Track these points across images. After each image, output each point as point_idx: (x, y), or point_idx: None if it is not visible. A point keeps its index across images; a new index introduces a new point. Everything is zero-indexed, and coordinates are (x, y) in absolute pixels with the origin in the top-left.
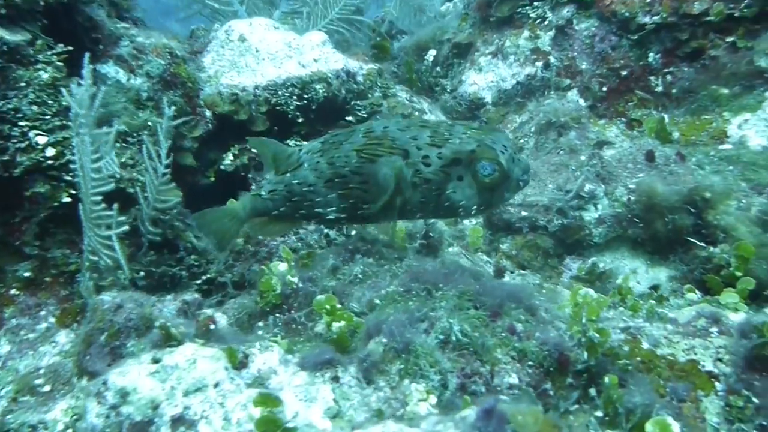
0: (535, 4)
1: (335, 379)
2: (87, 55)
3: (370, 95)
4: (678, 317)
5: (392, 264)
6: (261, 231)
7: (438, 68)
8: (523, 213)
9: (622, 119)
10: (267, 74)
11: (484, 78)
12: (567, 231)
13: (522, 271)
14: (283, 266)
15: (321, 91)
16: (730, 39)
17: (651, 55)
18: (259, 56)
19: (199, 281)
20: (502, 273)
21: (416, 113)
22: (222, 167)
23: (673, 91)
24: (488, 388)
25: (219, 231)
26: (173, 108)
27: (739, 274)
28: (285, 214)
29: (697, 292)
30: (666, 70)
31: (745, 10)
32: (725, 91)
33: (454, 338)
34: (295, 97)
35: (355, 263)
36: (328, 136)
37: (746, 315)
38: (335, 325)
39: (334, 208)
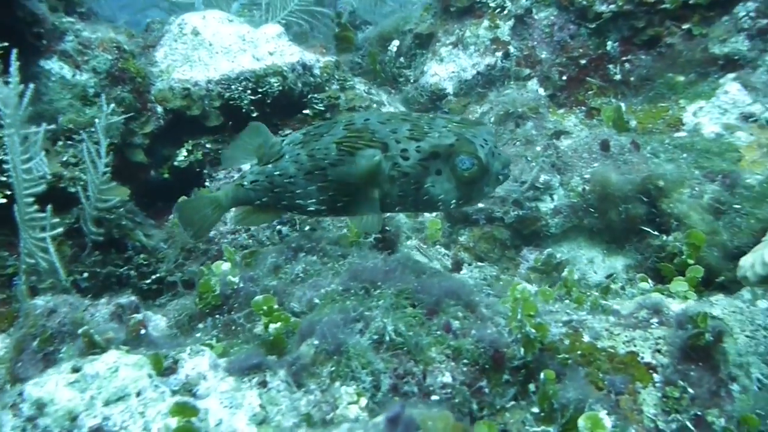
0: None
1: (263, 384)
2: (14, 51)
3: (327, 88)
4: (621, 309)
5: (335, 262)
6: (245, 221)
7: (401, 59)
8: (480, 205)
9: (583, 108)
10: (220, 68)
11: (445, 68)
12: (523, 222)
13: (480, 263)
14: (226, 266)
15: (276, 84)
16: (686, 26)
17: (609, 43)
18: (212, 50)
19: (148, 281)
20: (459, 266)
21: (374, 105)
22: (176, 163)
23: (631, 79)
24: (420, 389)
25: (200, 220)
26: (121, 104)
27: (691, 261)
28: (267, 205)
29: (650, 281)
30: (624, 58)
31: None
32: (681, 78)
33: (387, 338)
34: (249, 91)
35: (298, 261)
36: (310, 127)
37: (686, 305)
38: (272, 327)
39: (313, 200)
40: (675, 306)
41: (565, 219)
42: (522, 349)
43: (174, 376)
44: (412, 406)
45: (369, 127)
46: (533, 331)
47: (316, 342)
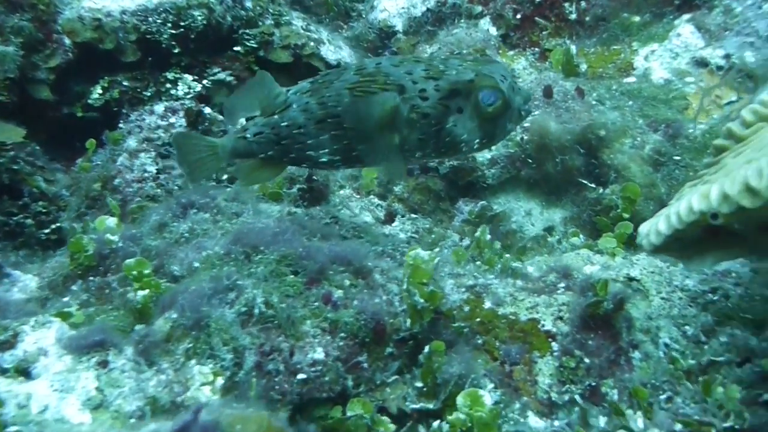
0: None
1: (103, 363)
2: None
3: (260, 23)
4: (532, 272)
5: (228, 220)
6: (249, 178)
7: None
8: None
9: (536, 49)
10: None
11: (395, 3)
12: (459, 173)
13: (413, 215)
14: (111, 221)
15: (200, 18)
16: None
17: None
18: None
19: (47, 230)
20: (392, 217)
21: (311, 44)
22: (90, 101)
23: (587, 18)
24: (287, 366)
25: (195, 161)
26: (19, 34)
27: (626, 215)
28: (272, 158)
29: (581, 236)
30: None
31: None
32: (637, 18)
33: (257, 311)
34: (169, 25)
35: (186, 219)
36: (317, 76)
37: (594, 269)
38: (140, 294)
39: (326, 150)
40: (588, 269)
41: (502, 170)
42: (408, 320)
43: (11, 351)
44: (228, 406)
45: (382, 70)
46: (422, 300)
47: (174, 315)
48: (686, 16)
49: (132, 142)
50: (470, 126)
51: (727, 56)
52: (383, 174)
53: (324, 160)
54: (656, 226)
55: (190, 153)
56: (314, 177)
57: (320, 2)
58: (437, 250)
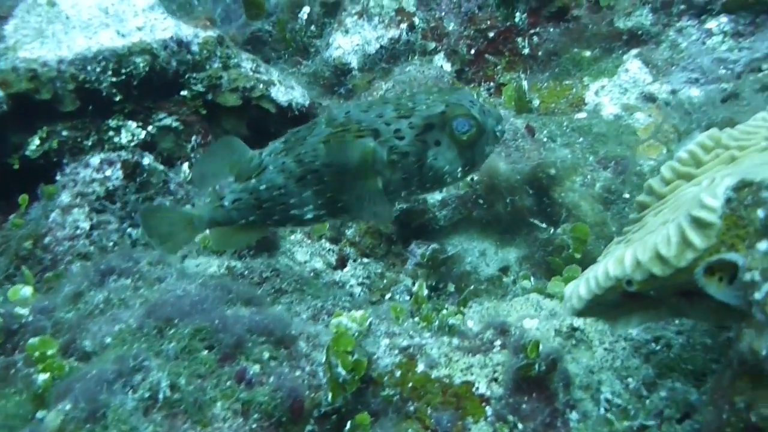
0: None
1: None
2: None
3: (208, 66)
4: (471, 326)
5: (149, 287)
6: (226, 243)
7: (313, 27)
8: None
9: (491, 84)
10: (75, 46)
11: (350, 41)
12: (410, 215)
13: (365, 259)
14: (26, 290)
15: (142, 64)
16: None
17: (517, 14)
18: (69, 24)
19: None
20: (344, 262)
21: (261, 86)
22: (27, 153)
23: (539, 53)
24: None
25: (167, 235)
26: None
27: (577, 256)
28: (253, 224)
29: (531, 279)
30: (532, 30)
31: None
32: (587, 53)
33: (161, 395)
34: (109, 72)
35: (104, 288)
36: (288, 135)
37: (530, 325)
38: (40, 377)
39: (311, 206)
40: (528, 323)
41: (453, 211)
42: (330, 394)
43: None
44: None
45: (352, 118)
46: (344, 372)
47: (68, 407)
48: (634, 51)
49: (65, 197)
50: (450, 156)
51: (673, 92)
52: (371, 219)
53: (309, 216)
54: (578, 290)
55: (160, 226)
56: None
57: (279, 38)
58: (370, 310)
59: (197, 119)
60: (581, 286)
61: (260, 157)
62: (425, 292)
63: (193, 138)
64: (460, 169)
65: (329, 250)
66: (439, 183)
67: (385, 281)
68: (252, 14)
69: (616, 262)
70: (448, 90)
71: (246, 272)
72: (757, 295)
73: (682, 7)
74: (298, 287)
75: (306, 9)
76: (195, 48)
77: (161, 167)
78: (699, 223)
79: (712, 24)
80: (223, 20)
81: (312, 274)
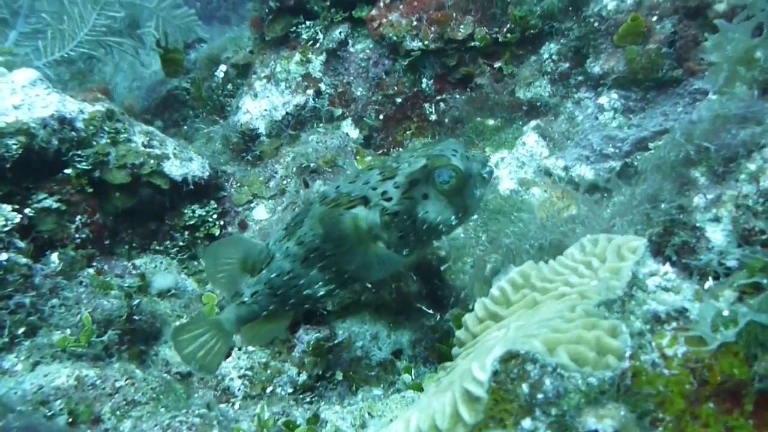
0: (308, 23)
1: None
2: None
3: (95, 143)
4: None
5: None
6: (254, 339)
7: (230, 85)
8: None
9: (400, 149)
10: None
11: (258, 105)
12: None
13: (251, 348)
14: None
15: (15, 146)
16: (497, 64)
17: (424, 80)
18: None
19: None
20: (229, 352)
21: (152, 161)
22: None
23: (446, 120)
24: None
25: (204, 352)
26: None
27: None
28: (275, 311)
29: (412, 373)
30: (439, 97)
31: (508, 35)
32: (491, 122)
33: None
34: None
35: None
36: (288, 221)
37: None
38: None
39: (320, 284)
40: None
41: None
42: None
43: None
44: None
45: (342, 191)
46: None
47: None
48: (533, 123)
49: None
50: (440, 207)
51: (566, 168)
52: (386, 276)
53: (322, 293)
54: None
55: (192, 344)
56: (135, 316)
57: (197, 96)
58: None
59: (83, 198)
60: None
61: (267, 247)
62: (266, 414)
63: (78, 218)
64: (453, 217)
65: None
66: (435, 234)
67: (268, 372)
68: (170, 71)
69: (404, 424)
70: (432, 143)
71: (98, 382)
72: None
73: (580, 78)
74: (155, 396)
75: (222, 67)
76: (79, 124)
77: (24, 260)
78: (469, 397)
79: (603, 99)
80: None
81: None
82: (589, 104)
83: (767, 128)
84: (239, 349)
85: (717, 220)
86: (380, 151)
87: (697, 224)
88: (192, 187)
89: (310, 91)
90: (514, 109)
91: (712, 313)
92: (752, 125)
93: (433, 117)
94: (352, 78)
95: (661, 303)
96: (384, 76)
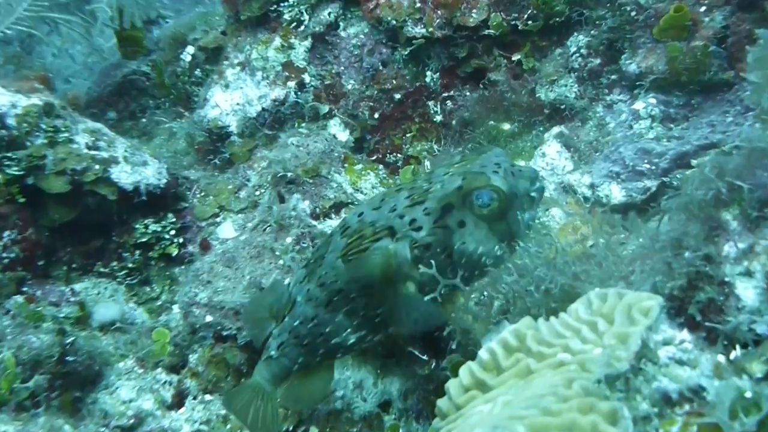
0: (291, 1)
1: None
2: None
3: (29, 143)
4: None
5: None
6: (298, 401)
7: (198, 71)
8: (208, 318)
9: (399, 155)
10: None
11: (230, 98)
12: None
13: (207, 396)
14: None
15: None
16: (516, 57)
17: (428, 74)
18: None
19: None
20: (182, 399)
21: (96, 166)
22: None
23: (453, 121)
24: None
25: (257, 416)
26: None
27: None
28: (308, 364)
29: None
30: (445, 94)
31: (529, 23)
32: (506, 127)
33: None
34: None
35: None
36: (308, 256)
37: None
38: None
39: (348, 330)
40: None
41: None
42: None
43: None
44: None
45: (366, 220)
46: None
47: None
48: (556, 130)
49: None
50: (480, 236)
51: (592, 186)
52: (418, 327)
53: (352, 340)
54: None
55: (247, 411)
56: (69, 356)
57: (158, 83)
58: None
59: (13, 209)
60: None
61: (288, 289)
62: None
63: (6, 234)
64: (497, 247)
65: (165, 382)
66: (478, 268)
67: (228, 427)
68: (127, 52)
69: None
70: (473, 155)
71: None
72: None
73: (613, 77)
74: None
75: (190, 49)
76: (11, 121)
77: None
78: None
79: (639, 105)
80: None
81: (132, 420)
82: (623, 109)
83: None
84: (194, 398)
85: (749, 274)
86: (374, 157)
87: (726, 278)
88: (145, 197)
89: (292, 83)
90: (534, 111)
91: (731, 395)
92: None
93: (438, 117)
94: (342, 68)
95: (673, 380)
96: (380, 68)
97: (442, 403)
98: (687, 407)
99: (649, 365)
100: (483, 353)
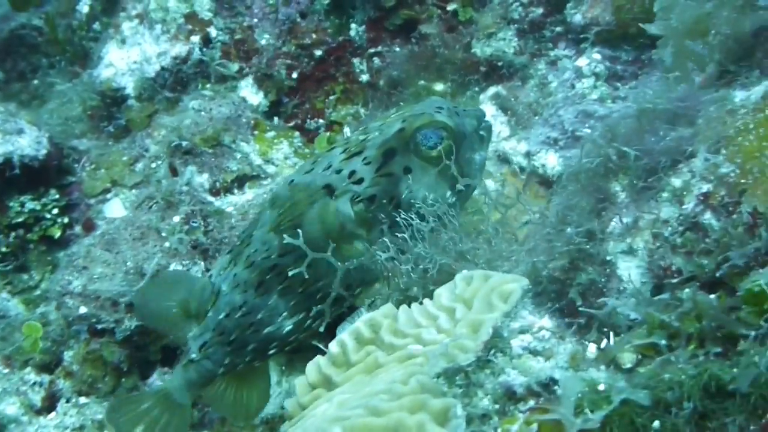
0: None
1: None
2: None
3: None
4: None
5: None
6: (237, 412)
7: (97, 25)
8: (82, 309)
9: (321, 120)
10: None
11: (126, 56)
12: (148, 336)
13: (83, 399)
14: None
15: None
16: (452, 6)
17: (353, 26)
18: None
19: None
20: (54, 402)
21: None
22: None
23: (380, 81)
24: None
25: None
26: None
27: None
28: (235, 365)
29: None
30: (372, 49)
31: None
32: (439, 87)
33: None
34: None
35: None
36: (234, 242)
37: None
38: None
39: (285, 314)
40: None
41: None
42: None
43: None
44: None
45: (297, 186)
46: None
47: None
48: (492, 90)
49: None
50: (429, 181)
51: (528, 154)
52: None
53: (288, 327)
54: None
55: (134, 426)
56: None
57: (51, 39)
58: None
59: None
60: None
61: (209, 280)
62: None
63: None
64: (450, 193)
65: (35, 383)
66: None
67: None
68: (17, 2)
69: None
70: (411, 104)
71: None
72: None
73: (558, 29)
74: None
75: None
76: None
77: None
78: None
79: (582, 61)
80: None
81: None
82: (568, 66)
83: (699, 130)
84: (66, 401)
85: (632, 252)
86: (292, 123)
87: (609, 257)
88: (18, 170)
89: (196, 38)
90: (468, 69)
91: (578, 388)
92: (683, 125)
93: (365, 77)
94: (255, 20)
95: (522, 373)
96: (299, 19)
97: (287, 403)
98: (532, 403)
99: (499, 356)
100: (333, 346)
